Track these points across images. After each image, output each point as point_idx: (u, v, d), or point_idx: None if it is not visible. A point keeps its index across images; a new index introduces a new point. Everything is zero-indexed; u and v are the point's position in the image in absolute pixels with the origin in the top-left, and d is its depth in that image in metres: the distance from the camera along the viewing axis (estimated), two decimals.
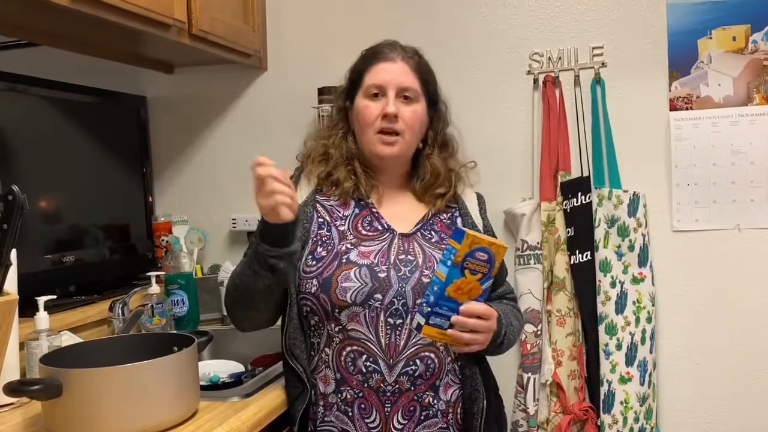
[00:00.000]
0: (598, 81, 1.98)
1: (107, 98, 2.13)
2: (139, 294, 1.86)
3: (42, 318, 1.47)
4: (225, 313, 1.83)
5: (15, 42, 1.80)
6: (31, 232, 1.71)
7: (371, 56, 1.49)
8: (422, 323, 1.29)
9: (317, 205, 1.48)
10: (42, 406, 1.22)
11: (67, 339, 1.55)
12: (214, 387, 1.57)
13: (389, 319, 1.36)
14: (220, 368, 1.74)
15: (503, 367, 1.90)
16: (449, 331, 1.30)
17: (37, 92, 1.84)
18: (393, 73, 1.45)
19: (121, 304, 1.81)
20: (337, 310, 1.37)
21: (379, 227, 1.46)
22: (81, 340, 1.57)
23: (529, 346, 1.99)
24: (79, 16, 1.48)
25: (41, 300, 1.49)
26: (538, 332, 1.99)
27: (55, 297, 1.56)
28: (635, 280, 1.95)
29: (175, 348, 1.30)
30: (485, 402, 1.42)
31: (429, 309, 1.28)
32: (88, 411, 1.16)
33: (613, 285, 1.95)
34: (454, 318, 1.29)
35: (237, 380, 1.60)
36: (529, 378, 1.99)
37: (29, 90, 1.81)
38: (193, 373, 1.30)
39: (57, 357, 1.27)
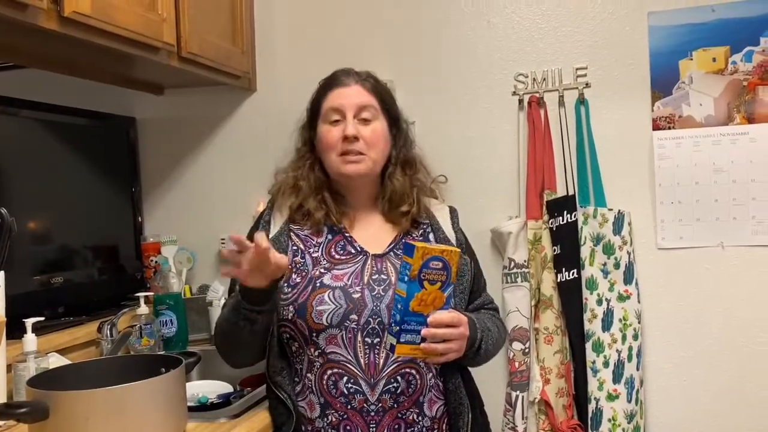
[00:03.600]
0: (582, 101, 2.02)
1: (97, 119, 2.14)
2: (127, 315, 1.86)
3: (30, 340, 1.47)
4: (213, 333, 1.83)
5: (3, 65, 1.81)
6: (19, 253, 1.70)
7: (327, 84, 1.52)
8: (394, 343, 1.28)
9: (291, 234, 1.50)
10: (29, 429, 1.21)
11: (55, 361, 1.54)
12: (202, 408, 1.57)
13: (366, 339, 1.37)
14: (209, 388, 1.74)
15: (491, 385, 1.90)
16: (422, 345, 1.29)
17: (27, 114, 1.84)
18: (349, 95, 1.48)
19: (110, 325, 1.80)
20: (314, 334, 1.38)
21: (352, 250, 1.47)
22: (69, 362, 1.56)
23: (517, 364, 2.00)
24: (68, 40, 1.49)
25: (29, 322, 1.48)
26: (526, 350, 2.00)
27: (43, 318, 1.56)
28: (621, 298, 1.97)
29: (163, 369, 1.30)
30: (470, 416, 1.42)
31: (398, 327, 1.27)
32: None
33: (599, 302, 1.96)
34: (424, 331, 1.28)
35: (225, 401, 1.60)
36: (517, 396, 1.99)
37: (18, 112, 1.82)
38: (180, 394, 1.30)
39: (44, 379, 1.26)
